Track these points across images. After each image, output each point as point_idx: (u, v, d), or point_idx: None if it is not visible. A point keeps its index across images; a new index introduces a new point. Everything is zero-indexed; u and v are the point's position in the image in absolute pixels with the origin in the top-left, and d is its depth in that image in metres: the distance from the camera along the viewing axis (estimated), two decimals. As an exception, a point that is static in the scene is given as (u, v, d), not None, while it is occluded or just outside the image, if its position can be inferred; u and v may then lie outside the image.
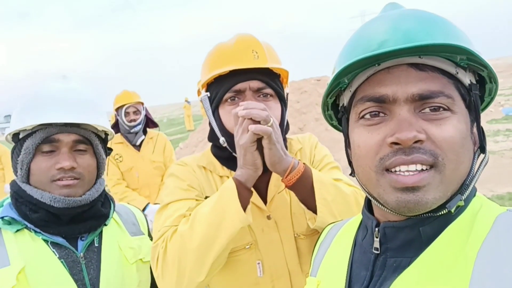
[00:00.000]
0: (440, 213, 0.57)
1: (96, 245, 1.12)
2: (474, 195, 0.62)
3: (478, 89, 0.61)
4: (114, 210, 1.22)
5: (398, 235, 0.60)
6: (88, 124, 1.09)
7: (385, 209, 0.59)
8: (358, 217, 0.75)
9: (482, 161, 0.63)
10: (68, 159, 1.04)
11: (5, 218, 1.03)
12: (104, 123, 1.13)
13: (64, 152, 1.05)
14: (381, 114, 0.59)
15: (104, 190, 1.19)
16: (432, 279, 0.54)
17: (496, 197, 5.10)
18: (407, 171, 0.55)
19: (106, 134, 1.20)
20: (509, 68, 29.89)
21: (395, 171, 0.56)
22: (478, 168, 0.61)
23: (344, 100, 0.67)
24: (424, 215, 0.58)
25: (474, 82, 0.60)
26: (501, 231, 0.55)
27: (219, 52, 1.15)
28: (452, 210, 0.57)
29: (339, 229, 0.78)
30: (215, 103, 1.14)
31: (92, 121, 1.09)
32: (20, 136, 1.06)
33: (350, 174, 0.69)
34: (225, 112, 1.12)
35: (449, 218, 0.58)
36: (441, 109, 0.56)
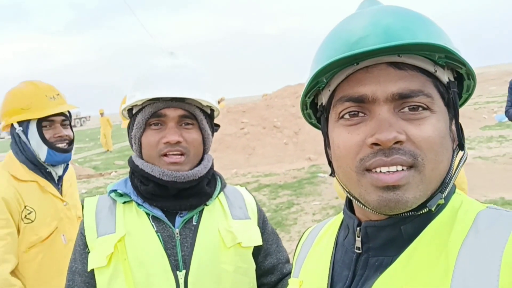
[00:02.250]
0: (421, 212, 0.57)
1: (194, 223, 1.12)
2: (454, 192, 0.62)
3: (456, 86, 0.61)
4: (221, 190, 1.22)
5: (380, 234, 0.60)
6: (193, 99, 1.11)
7: (367, 208, 0.59)
8: (339, 216, 0.75)
9: (461, 159, 0.63)
10: (174, 133, 1.07)
11: (117, 191, 1.13)
12: (209, 98, 1.13)
13: (171, 126, 1.09)
14: (360, 114, 0.58)
15: (212, 168, 1.19)
16: (414, 277, 0.55)
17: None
18: (388, 171, 0.55)
19: (212, 110, 1.20)
20: (502, 76, 30.15)
21: (376, 171, 0.56)
22: (458, 166, 0.61)
23: (323, 99, 0.66)
24: (405, 214, 0.57)
25: (453, 79, 0.61)
26: (482, 228, 0.55)
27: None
28: (433, 209, 0.57)
29: (320, 229, 0.78)
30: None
31: (196, 96, 1.09)
32: (133, 112, 1.13)
33: (330, 174, 0.69)
34: None
35: (430, 216, 0.59)
36: (420, 108, 0.56)
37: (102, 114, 17.10)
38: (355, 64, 0.58)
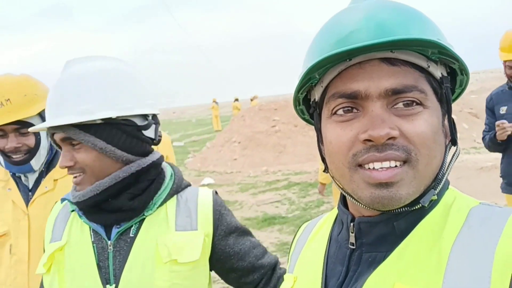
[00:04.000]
0: (414, 208, 0.58)
1: (131, 235, 1.06)
2: (447, 188, 0.62)
3: (449, 81, 0.61)
4: (169, 197, 1.10)
5: (373, 230, 0.61)
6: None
7: (360, 204, 0.60)
8: (334, 212, 0.75)
9: (454, 154, 0.63)
10: (64, 158, 1.03)
11: (66, 199, 1.10)
12: (75, 119, 0.99)
13: (63, 151, 1.05)
14: (354, 110, 0.58)
15: (136, 178, 1.07)
16: (407, 272, 0.55)
17: None
18: (381, 168, 0.55)
19: (125, 120, 1.06)
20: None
21: (369, 167, 0.56)
22: (450, 162, 0.61)
23: (316, 95, 0.65)
24: (398, 210, 0.58)
25: (446, 74, 0.60)
26: (474, 224, 0.55)
27: None
28: (426, 205, 0.57)
29: (315, 225, 0.78)
30: None
31: (59, 123, 1.00)
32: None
33: (324, 171, 0.68)
34: None
35: (423, 212, 0.59)
36: (414, 103, 0.56)
37: None
38: (348, 60, 0.57)
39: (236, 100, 22.71)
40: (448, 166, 0.60)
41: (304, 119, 0.76)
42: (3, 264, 1.50)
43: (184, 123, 34.99)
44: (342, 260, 0.64)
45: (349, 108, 0.58)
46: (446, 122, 0.61)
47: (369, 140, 0.55)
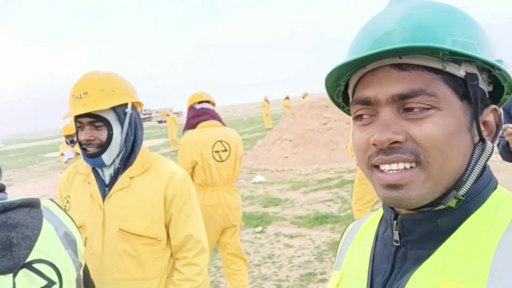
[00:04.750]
0: (437, 208, 0.59)
1: None
2: (495, 188, 0.62)
3: (488, 82, 0.60)
4: None
5: (416, 227, 0.61)
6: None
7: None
8: (380, 211, 0.76)
9: (481, 153, 0.60)
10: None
11: None
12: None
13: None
14: (371, 115, 0.61)
15: None
16: (451, 270, 0.55)
17: None
18: (390, 170, 0.58)
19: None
20: None
21: (381, 169, 0.59)
22: (478, 161, 0.59)
23: (350, 95, 0.69)
24: (431, 208, 0.59)
25: (475, 72, 0.58)
26: None
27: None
28: (453, 205, 0.59)
29: (362, 224, 0.80)
30: None
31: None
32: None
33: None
34: None
35: (468, 211, 0.59)
36: (424, 107, 0.57)
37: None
38: (363, 67, 0.61)
39: (287, 98, 22.65)
40: (475, 165, 0.59)
41: (345, 111, 0.78)
42: None
43: (235, 122, 35.43)
44: (388, 257, 0.65)
45: (368, 113, 0.61)
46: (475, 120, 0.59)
47: (376, 145, 0.58)
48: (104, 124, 1.49)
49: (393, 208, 0.65)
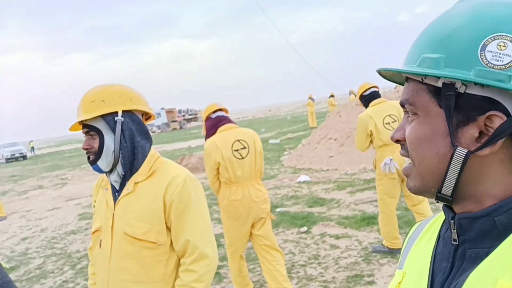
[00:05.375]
0: (439, 195, 0.64)
1: None
2: None
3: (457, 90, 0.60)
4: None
5: (473, 225, 0.62)
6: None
7: None
8: None
9: (452, 156, 0.62)
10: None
11: None
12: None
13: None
14: None
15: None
16: (509, 269, 0.55)
17: None
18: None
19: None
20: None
21: None
22: (450, 164, 0.61)
23: None
24: (496, 204, 0.60)
25: (454, 82, 0.59)
26: None
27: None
28: (448, 197, 0.63)
29: (426, 224, 0.81)
30: None
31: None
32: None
33: None
34: None
35: None
36: (411, 113, 0.65)
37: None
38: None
39: (332, 96, 22.35)
40: (450, 169, 0.61)
41: None
42: (96, 254, 1.69)
43: (279, 121, 35.41)
44: (447, 256, 0.66)
45: None
46: (464, 128, 0.60)
47: None
48: (96, 133, 1.59)
49: (451, 208, 0.67)
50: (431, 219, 0.81)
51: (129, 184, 1.62)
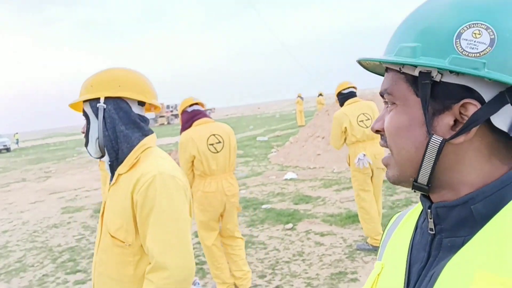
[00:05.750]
0: (415, 184, 0.64)
1: None
2: None
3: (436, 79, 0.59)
4: None
5: (450, 214, 0.61)
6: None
7: None
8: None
9: (428, 144, 0.61)
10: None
11: None
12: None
13: None
14: None
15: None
16: (487, 261, 0.54)
17: None
18: None
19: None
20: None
21: None
22: (426, 152, 0.61)
23: None
24: (473, 193, 0.59)
25: (431, 70, 0.59)
26: None
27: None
28: (424, 186, 0.63)
29: (404, 215, 0.81)
30: None
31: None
32: None
33: None
34: None
35: (504, 197, 0.58)
36: (390, 103, 0.66)
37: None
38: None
39: (321, 95, 22.40)
40: (425, 157, 0.61)
41: None
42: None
43: (268, 118, 35.43)
44: (424, 246, 0.66)
45: None
46: (440, 116, 0.60)
47: None
48: (86, 117, 1.56)
49: (428, 198, 0.66)
50: (409, 210, 0.80)
51: (115, 175, 1.54)
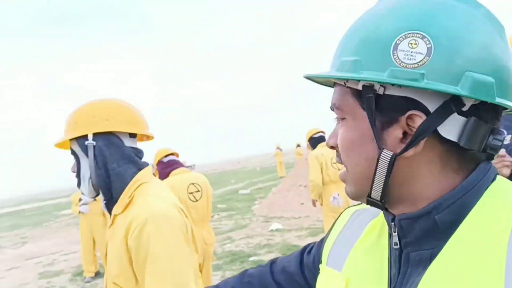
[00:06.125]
0: (373, 201, 0.62)
1: None
2: (494, 180, 0.58)
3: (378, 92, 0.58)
4: None
5: (414, 226, 0.59)
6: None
7: None
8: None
9: (378, 161, 0.60)
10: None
11: None
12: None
13: None
14: None
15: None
16: (460, 275, 0.52)
17: None
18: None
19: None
20: None
21: None
22: (377, 169, 0.59)
23: None
24: (435, 203, 0.57)
25: (373, 84, 0.57)
26: None
27: None
28: (378, 202, 0.61)
29: (367, 219, 0.75)
30: None
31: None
32: None
33: None
34: None
35: (466, 205, 0.56)
36: (340, 118, 0.64)
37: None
38: None
39: (298, 146, 22.70)
40: (377, 172, 0.58)
41: None
42: None
43: (248, 172, 35.38)
44: (395, 261, 0.62)
45: None
46: (390, 130, 0.58)
47: None
48: (75, 156, 1.46)
49: (389, 211, 0.64)
50: (371, 214, 0.74)
51: (112, 216, 1.44)
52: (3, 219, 29.20)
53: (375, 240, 0.70)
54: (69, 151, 1.49)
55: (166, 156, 3.80)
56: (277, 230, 8.59)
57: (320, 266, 0.77)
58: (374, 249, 0.68)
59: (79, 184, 1.47)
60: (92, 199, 1.53)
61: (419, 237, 0.58)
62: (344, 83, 0.61)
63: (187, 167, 4.02)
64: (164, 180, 3.67)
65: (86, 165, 1.43)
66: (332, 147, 0.67)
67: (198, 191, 3.67)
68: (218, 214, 11.88)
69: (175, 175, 3.70)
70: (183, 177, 3.69)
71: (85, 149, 1.42)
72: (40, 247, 11.85)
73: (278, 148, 22.58)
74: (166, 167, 3.77)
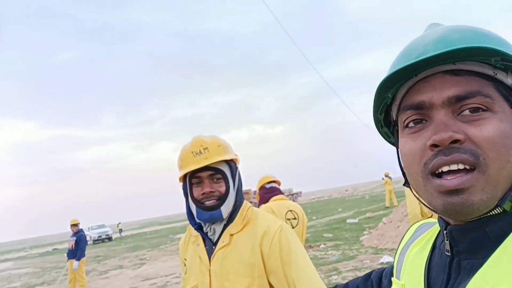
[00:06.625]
0: (493, 212, 0.57)
1: None
2: None
3: None
4: None
5: (465, 237, 0.60)
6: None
7: (436, 214, 0.62)
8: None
9: None
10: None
11: None
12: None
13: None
14: (423, 121, 0.61)
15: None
16: (505, 280, 0.52)
17: None
18: (449, 171, 0.56)
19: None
20: None
21: (439, 174, 0.57)
22: None
23: (393, 114, 0.70)
24: (482, 216, 0.57)
25: None
26: None
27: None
28: (508, 208, 0.57)
29: (423, 231, 0.77)
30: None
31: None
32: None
33: (404, 184, 0.70)
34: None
35: None
36: (480, 110, 0.57)
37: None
38: (414, 76, 0.62)
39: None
40: None
41: (390, 142, 0.77)
42: None
43: (357, 200, 34.20)
44: (444, 268, 0.63)
45: (419, 120, 0.61)
46: None
47: (436, 146, 0.57)
48: (222, 177, 1.56)
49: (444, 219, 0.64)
50: (430, 226, 0.76)
51: (224, 236, 1.55)
52: (127, 240, 32.12)
53: (424, 245, 0.73)
54: (180, 183, 1.64)
55: (268, 182, 3.98)
56: (388, 263, 7.96)
57: (392, 279, 0.80)
58: (419, 255, 0.72)
59: (219, 205, 1.54)
60: (211, 223, 1.60)
61: (470, 247, 0.59)
62: (495, 73, 0.58)
63: (292, 194, 4.01)
64: (264, 205, 3.81)
65: (232, 185, 1.58)
66: (453, 142, 0.56)
67: (295, 218, 3.74)
68: (324, 244, 11.51)
69: (275, 201, 3.83)
70: (281, 204, 3.81)
71: (234, 172, 1.61)
72: (155, 269, 12.65)
73: (386, 176, 21.40)
74: (267, 193, 3.91)
